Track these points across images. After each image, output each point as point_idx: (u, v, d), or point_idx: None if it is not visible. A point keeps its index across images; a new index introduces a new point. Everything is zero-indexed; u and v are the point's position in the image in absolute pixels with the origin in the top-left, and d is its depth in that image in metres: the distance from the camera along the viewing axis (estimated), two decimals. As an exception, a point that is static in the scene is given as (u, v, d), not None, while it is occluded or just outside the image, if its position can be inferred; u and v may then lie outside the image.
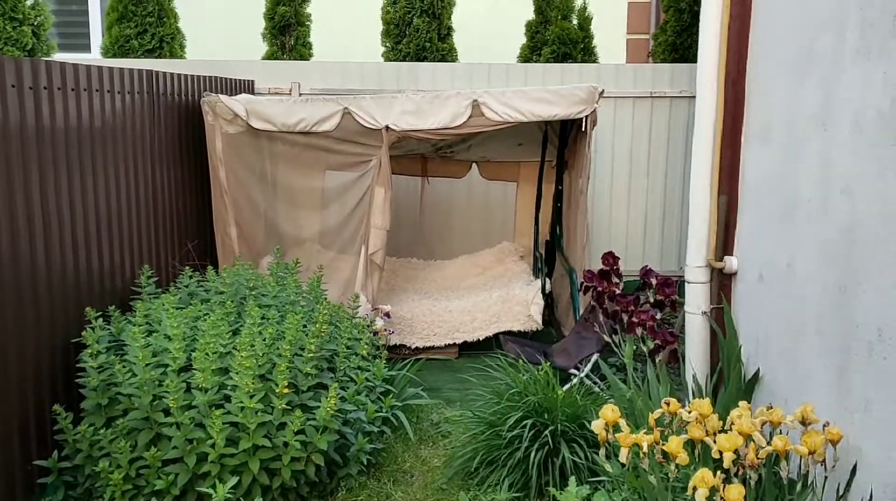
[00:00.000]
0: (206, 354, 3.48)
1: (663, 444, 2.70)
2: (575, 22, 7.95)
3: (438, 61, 7.56)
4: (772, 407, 2.90)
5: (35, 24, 6.96)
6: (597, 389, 4.48)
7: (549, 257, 6.54)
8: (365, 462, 3.85)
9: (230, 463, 3.37)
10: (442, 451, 4.21)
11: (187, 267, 4.62)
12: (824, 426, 2.78)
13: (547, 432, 3.69)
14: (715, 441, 2.68)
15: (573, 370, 4.72)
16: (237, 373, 3.44)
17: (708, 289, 4.19)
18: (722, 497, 2.46)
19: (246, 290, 4.46)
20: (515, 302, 5.73)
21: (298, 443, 3.45)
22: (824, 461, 2.71)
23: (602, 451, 2.89)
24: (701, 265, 4.17)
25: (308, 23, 7.96)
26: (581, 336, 4.98)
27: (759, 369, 3.73)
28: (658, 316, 4.48)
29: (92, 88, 4.01)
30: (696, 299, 4.19)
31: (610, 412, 2.85)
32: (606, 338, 4.53)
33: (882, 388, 2.72)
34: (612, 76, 6.91)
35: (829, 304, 3.09)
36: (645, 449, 2.73)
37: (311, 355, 3.74)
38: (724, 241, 4.13)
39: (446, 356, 5.67)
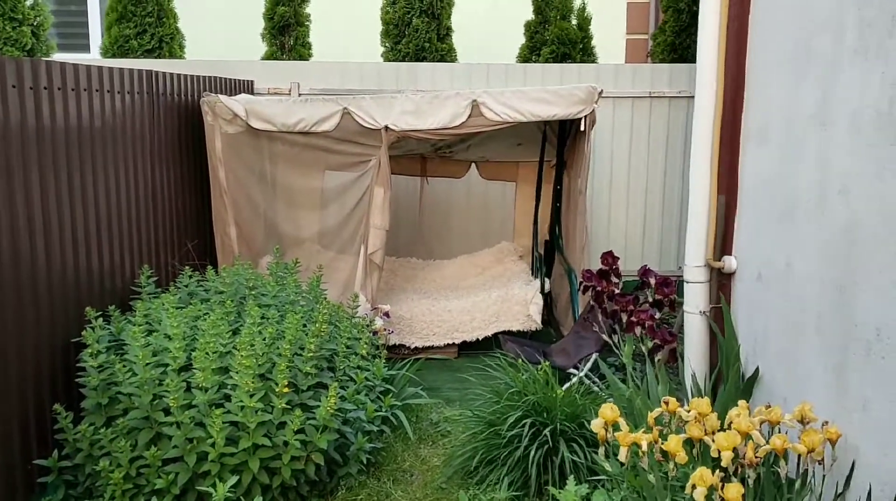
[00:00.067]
0: (206, 353, 3.49)
1: (662, 443, 2.71)
2: (574, 22, 7.95)
3: (438, 62, 7.57)
4: (770, 406, 2.91)
5: (34, 24, 6.96)
6: (596, 388, 4.49)
7: (548, 257, 6.54)
8: (365, 462, 3.86)
9: (230, 462, 3.38)
10: (441, 450, 4.22)
11: (187, 267, 4.63)
12: (823, 425, 2.79)
13: (546, 431, 3.70)
14: (714, 440, 2.69)
15: (572, 370, 4.73)
16: (237, 372, 3.44)
17: (707, 289, 4.20)
18: (721, 496, 2.47)
19: (246, 290, 4.46)
20: (514, 302, 5.74)
21: (298, 442, 3.46)
22: (823, 460, 2.72)
23: (601, 450, 2.90)
24: (700, 265, 4.17)
25: (307, 23, 7.97)
26: (580, 336, 4.99)
27: (757, 368, 3.74)
28: (657, 316, 4.49)
29: (92, 88, 4.02)
30: (695, 299, 4.20)
31: (609, 411, 2.86)
32: (605, 338, 4.54)
33: (880, 387, 2.73)
34: (610, 76, 6.92)
35: (827, 304, 3.10)
36: (644, 448, 2.74)
37: (311, 354, 3.75)
38: (723, 241, 4.14)
39: (445, 355, 5.68)
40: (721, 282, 4.17)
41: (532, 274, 6.40)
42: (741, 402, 2.93)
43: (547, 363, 4.11)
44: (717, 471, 2.52)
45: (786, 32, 3.56)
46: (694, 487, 2.48)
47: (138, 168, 4.56)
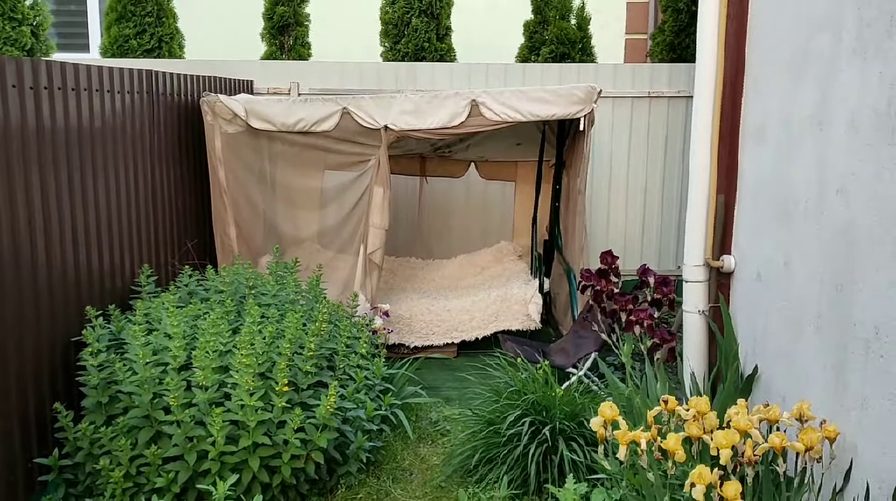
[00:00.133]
0: (206, 352, 3.50)
1: (661, 441, 2.72)
2: (573, 22, 7.96)
3: (437, 61, 7.57)
4: (769, 405, 2.92)
5: (34, 24, 6.96)
6: (595, 387, 4.50)
7: (547, 257, 6.55)
8: (364, 460, 3.87)
9: (230, 461, 3.38)
10: (441, 449, 4.23)
11: (187, 266, 4.63)
12: (821, 423, 2.80)
13: (545, 430, 3.71)
14: (712, 439, 2.70)
15: (571, 369, 4.74)
16: (237, 371, 3.45)
17: (706, 288, 4.21)
18: (719, 494, 2.48)
19: (245, 289, 4.47)
20: (514, 301, 5.75)
21: (298, 441, 3.46)
22: (821, 458, 2.73)
23: (600, 448, 2.91)
24: (699, 264, 4.19)
25: (307, 23, 7.97)
26: (579, 335, 5.00)
27: (756, 367, 3.76)
28: (656, 315, 4.50)
29: (92, 88, 4.02)
30: (694, 298, 4.21)
31: (608, 409, 2.87)
32: (604, 337, 4.55)
33: (879, 386, 2.74)
34: (610, 76, 6.93)
35: (826, 303, 3.11)
36: (643, 447, 2.75)
37: (311, 353, 3.75)
38: (722, 240, 4.16)
39: (445, 355, 5.69)
40: (720, 281, 4.19)
41: (531, 274, 6.41)
42: (740, 400, 2.94)
43: (546, 362, 4.11)
44: (716, 469, 2.52)
45: (785, 32, 3.58)
46: (693, 485, 2.49)
47: (138, 168, 4.57)
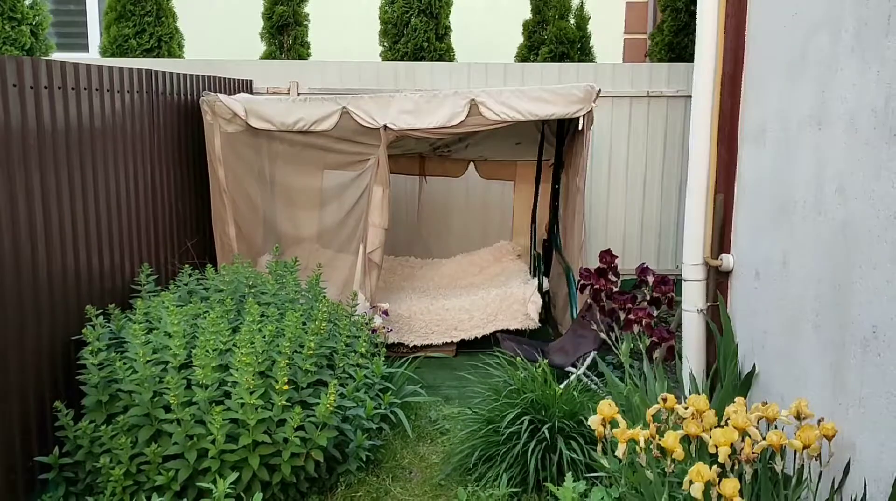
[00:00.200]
0: (207, 351, 3.51)
1: (660, 439, 2.73)
2: (572, 21, 7.98)
3: (436, 61, 7.59)
4: (767, 403, 2.93)
5: (33, 23, 6.97)
6: (594, 386, 4.51)
7: (546, 256, 6.56)
8: (364, 459, 3.88)
9: (230, 459, 3.39)
10: (440, 448, 4.24)
11: (186, 265, 4.64)
12: (819, 421, 2.81)
13: (544, 428, 3.72)
14: (711, 437, 2.70)
15: (570, 368, 4.75)
16: (237, 370, 3.46)
17: (704, 287, 4.22)
18: (718, 492, 2.49)
19: (245, 288, 4.48)
20: (513, 300, 5.76)
21: (298, 439, 3.47)
22: (819, 456, 2.74)
23: (599, 447, 2.92)
24: (697, 263, 4.20)
25: (306, 22, 7.98)
26: (578, 334, 5.01)
27: (755, 365, 3.77)
28: (655, 314, 4.51)
29: (92, 88, 4.03)
30: (693, 297, 4.22)
31: (607, 407, 2.87)
32: (603, 336, 4.55)
33: (876, 384, 2.75)
34: (609, 76, 6.94)
35: (824, 302, 3.12)
36: (642, 444, 2.75)
37: (311, 352, 3.76)
38: (721, 239, 4.16)
39: (444, 354, 5.70)
40: (719, 280, 4.19)
41: (530, 273, 6.42)
42: (738, 399, 2.95)
43: (545, 361, 4.12)
44: (714, 467, 2.53)
45: (783, 32, 3.58)
46: (691, 483, 2.49)
47: (138, 167, 4.58)
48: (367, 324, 4.63)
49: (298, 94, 6.77)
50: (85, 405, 3.56)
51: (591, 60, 7.98)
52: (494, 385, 4.11)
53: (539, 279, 6.09)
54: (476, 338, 5.73)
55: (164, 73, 4.98)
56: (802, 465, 2.76)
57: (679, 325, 4.46)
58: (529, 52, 8.00)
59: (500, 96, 5.23)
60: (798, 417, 2.85)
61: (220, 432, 3.33)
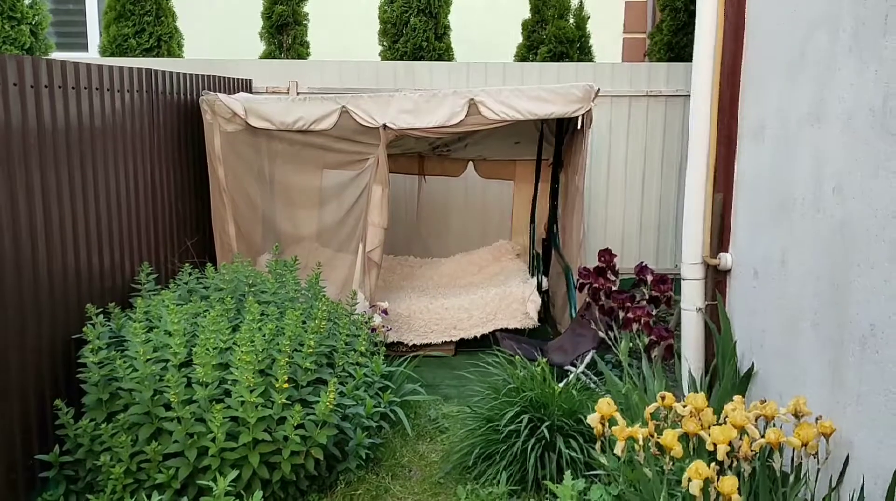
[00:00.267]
0: (207, 349, 3.51)
1: (658, 437, 2.74)
2: (571, 21, 7.98)
3: (435, 60, 7.59)
4: (766, 401, 2.94)
5: (33, 23, 6.97)
6: (592, 385, 4.52)
7: (545, 255, 6.57)
8: (364, 457, 3.89)
9: (230, 457, 3.40)
10: (440, 446, 4.25)
11: (186, 264, 4.65)
12: (817, 419, 2.82)
13: (543, 427, 3.73)
14: (709, 434, 2.72)
15: (569, 367, 4.76)
16: (237, 368, 3.47)
17: (703, 286, 4.23)
18: (716, 489, 2.50)
19: (245, 287, 4.49)
20: (512, 300, 5.77)
21: (298, 437, 3.48)
22: (817, 453, 2.75)
23: (598, 445, 2.93)
24: (696, 262, 4.21)
25: (305, 22, 7.99)
26: (577, 333, 5.02)
27: (753, 364, 3.78)
28: (653, 313, 4.52)
29: (92, 87, 4.04)
30: (692, 296, 4.23)
31: (606, 405, 2.88)
32: (602, 335, 4.56)
33: (874, 382, 2.76)
34: (608, 75, 6.95)
35: (822, 300, 3.14)
36: (640, 442, 2.77)
37: (311, 350, 3.77)
38: (720, 238, 4.18)
39: (443, 352, 5.71)
40: (717, 279, 4.21)
41: (529, 272, 6.42)
42: (737, 397, 2.96)
43: (544, 360, 4.13)
44: (713, 465, 2.55)
45: (781, 31, 3.60)
46: (690, 480, 2.51)
47: (138, 166, 4.58)
48: (366, 323, 4.64)
49: (298, 93, 6.78)
50: (85, 404, 3.57)
51: (591, 60, 7.99)
52: (494, 384, 4.12)
53: (538, 279, 6.10)
54: (475, 337, 5.73)
55: (163, 72, 4.99)
56: (801, 462, 2.77)
57: (678, 324, 4.47)
58: (528, 51, 8.00)
59: (500, 96, 5.24)
60: (796, 415, 2.87)
61: (220, 430, 3.34)
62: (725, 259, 4.11)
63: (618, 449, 2.79)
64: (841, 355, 2.97)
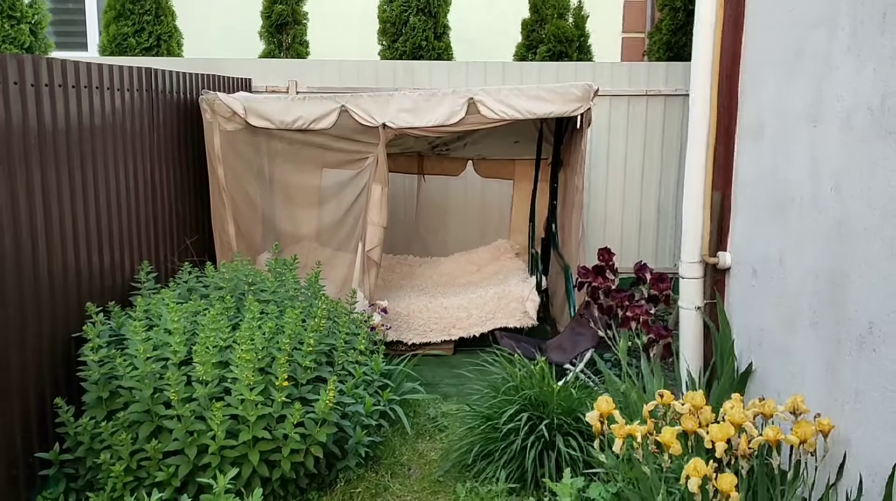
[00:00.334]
0: (207, 347, 3.52)
1: (657, 435, 2.75)
2: (570, 20, 7.99)
3: (434, 60, 7.60)
4: (764, 399, 2.95)
5: (32, 22, 6.98)
6: (591, 383, 4.53)
7: (544, 254, 6.58)
8: (363, 455, 3.90)
9: (230, 455, 3.41)
10: (439, 444, 4.25)
11: (186, 263, 4.66)
12: (815, 417, 2.83)
13: (542, 425, 3.73)
14: (708, 432, 2.72)
15: (568, 366, 4.77)
16: (237, 366, 3.47)
17: (702, 284, 4.24)
18: (714, 487, 2.51)
19: (245, 285, 4.49)
20: (511, 299, 5.78)
21: (298, 435, 3.49)
22: (815, 451, 2.76)
23: (597, 443, 2.94)
24: (695, 261, 4.21)
25: (305, 21, 7.99)
26: (576, 332, 5.02)
27: (751, 362, 3.79)
28: (652, 311, 4.53)
29: (92, 86, 4.04)
30: (690, 295, 4.24)
31: (604, 403, 2.89)
32: (601, 333, 4.57)
33: (872, 380, 2.77)
34: (607, 75, 6.96)
35: (820, 298, 3.14)
36: (639, 440, 2.77)
37: (310, 349, 3.78)
38: (718, 237, 4.18)
39: (442, 351, 5.72)
40: (716, 278, 4.22)
41: (529, 271, 6.43)
42: (735, 395, 2.97)
43: (543, 358, 4.14)
44: (711, 462, 2.55)
45: (780, 30, 3.61)
46: (688, 478, 2.52)
47: (138, 165, 4.59)
48: (365, 322, 4.65)
49: (297, 92, 6.79)
50: (85, 402, 3.57)
51: (590, 59, 8.00)
52: (493, 383, 4.12)
53: (537, 277, 6.10)
54: (474, 336, 5.74)
55: (163, 71, 5.00)
56: (799, 460, 2.78)
57: (676, 322, 4.48)
58: (528, 51, 8.01)
59: (499, 95, 5.24)
60: (794, 413, 2.87)
61: (220, 428, 3.35)
62: (724, 258, 4.11)
63: (616, 447, 2.80)
64: (839, 353, 2.98)
